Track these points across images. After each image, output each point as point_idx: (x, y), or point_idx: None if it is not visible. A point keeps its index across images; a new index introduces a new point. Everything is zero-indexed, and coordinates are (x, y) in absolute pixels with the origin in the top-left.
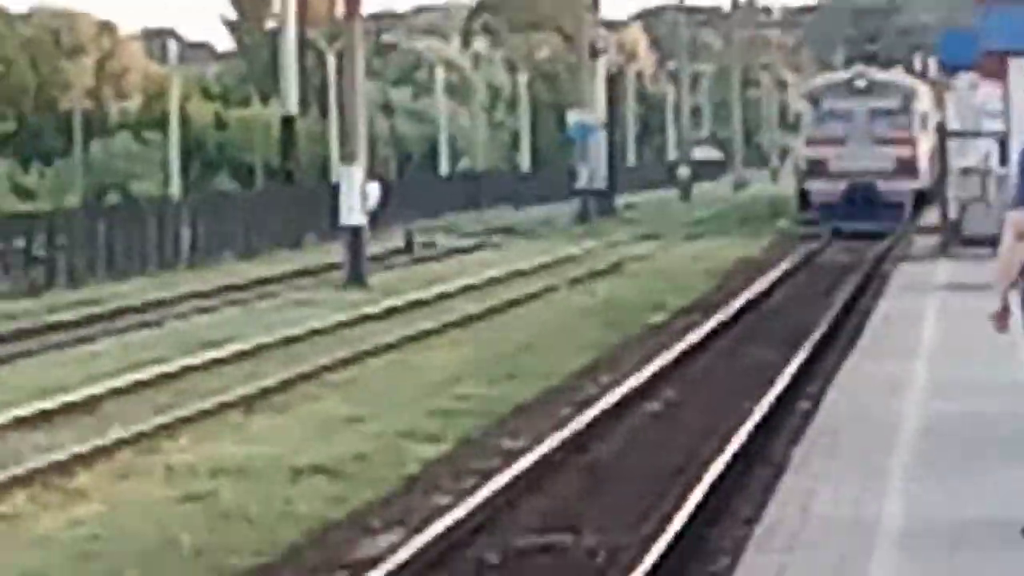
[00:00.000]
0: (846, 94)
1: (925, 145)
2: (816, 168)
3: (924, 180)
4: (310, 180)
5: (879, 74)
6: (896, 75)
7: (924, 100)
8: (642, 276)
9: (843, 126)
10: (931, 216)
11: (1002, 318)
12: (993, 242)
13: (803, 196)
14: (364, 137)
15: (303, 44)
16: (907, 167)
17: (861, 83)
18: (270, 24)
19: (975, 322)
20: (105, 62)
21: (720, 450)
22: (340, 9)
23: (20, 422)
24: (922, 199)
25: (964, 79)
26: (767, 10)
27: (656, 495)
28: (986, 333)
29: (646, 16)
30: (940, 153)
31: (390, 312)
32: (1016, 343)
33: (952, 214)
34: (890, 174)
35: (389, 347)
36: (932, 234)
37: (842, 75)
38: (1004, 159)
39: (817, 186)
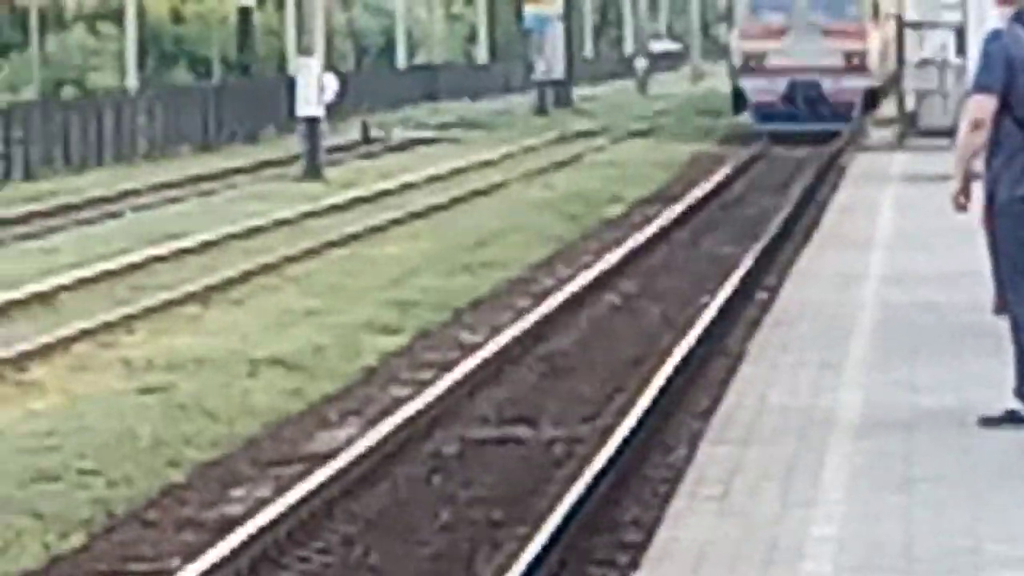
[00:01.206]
0: None
1: (876, 37)
2: (752, 64)
3: (875, 77)
4: (267, 73)
5: None
6: None
7: None
8: (600, 168)
9: (783, 15)
10: (888, 108)
11: (961, 198)
12: (950, 133)
13: (738, 96)
14: (321, 29)
15: None
16: (856, 62)
17: None
18: None
19: (931, 213)
20: None
21: (678, 341)
22: None
23: None
24: (873, 98)
25: None
26: None
27: (614, 387)
28: (941, 223)
29: None
30: (898, 44)
31: (347, 204)
32: (973, 232)
33: (909, 106)
34: (837, 71)
35: (346, 239)
36: (889, 126)
37: None
38: (961, 50)
39: (753, 84)
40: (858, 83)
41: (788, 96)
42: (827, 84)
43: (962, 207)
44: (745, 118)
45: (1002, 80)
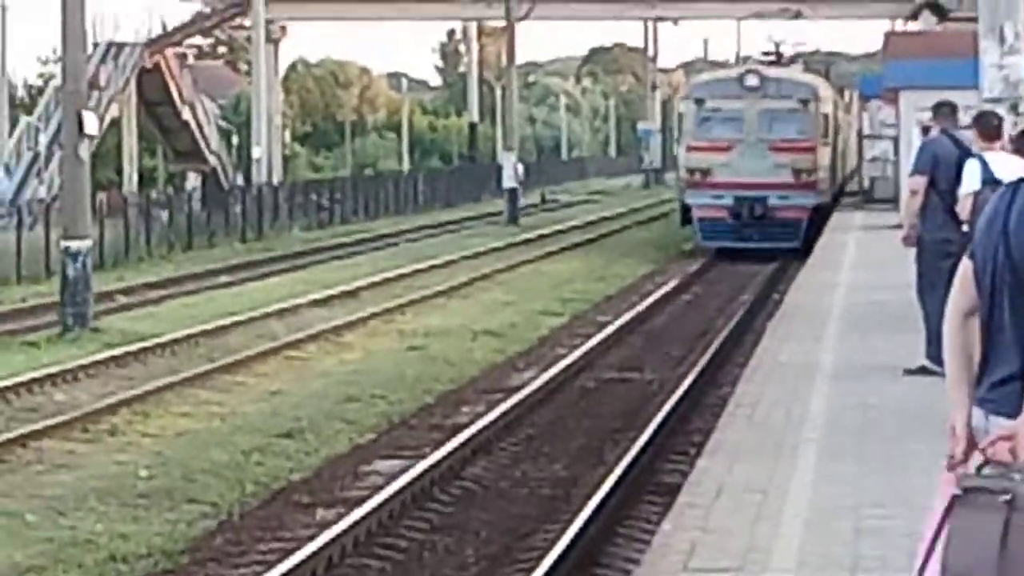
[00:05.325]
0: (735, 93)
1: (826, 153)
2: (698, 179)
3: (823, 195)
4: (485, 161)
5: (774, 71)
6: (794, 72)
7: (825, 100)
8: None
9: (731, 130)
10: (852, 185)
11: (909, 238)
12: (890, 201)
13: (686, 210)
14: (516, 136)
15: (481, 81)
16: (805, 179)
17: (753, 80)
18: (462, 69)
19: (879, 248)
20: (364, 91)
21: (726, 323)
22: (503, 60)
23: (313, 303)
24: (821, 216)
25: (874, 103)
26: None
27: (688, 349)
28: (885, 254)
29: (685, 65)
30: (859, 148)
31: (532, 240)
32: (903, 260)
33: (866, 184)
34: (785, 187)
35: (531, 260)
36: (854, 196)
37: (731, 71)
38: (896, 152)
39: (699, 199)
40: (806, 200)
41: (735, 212)
42: (774, 200)
43: (911, 244)
44: (691, 231)
45: (929, 167)
